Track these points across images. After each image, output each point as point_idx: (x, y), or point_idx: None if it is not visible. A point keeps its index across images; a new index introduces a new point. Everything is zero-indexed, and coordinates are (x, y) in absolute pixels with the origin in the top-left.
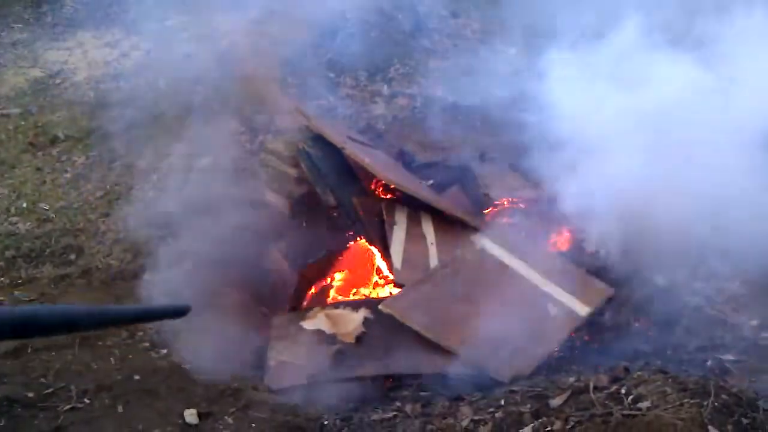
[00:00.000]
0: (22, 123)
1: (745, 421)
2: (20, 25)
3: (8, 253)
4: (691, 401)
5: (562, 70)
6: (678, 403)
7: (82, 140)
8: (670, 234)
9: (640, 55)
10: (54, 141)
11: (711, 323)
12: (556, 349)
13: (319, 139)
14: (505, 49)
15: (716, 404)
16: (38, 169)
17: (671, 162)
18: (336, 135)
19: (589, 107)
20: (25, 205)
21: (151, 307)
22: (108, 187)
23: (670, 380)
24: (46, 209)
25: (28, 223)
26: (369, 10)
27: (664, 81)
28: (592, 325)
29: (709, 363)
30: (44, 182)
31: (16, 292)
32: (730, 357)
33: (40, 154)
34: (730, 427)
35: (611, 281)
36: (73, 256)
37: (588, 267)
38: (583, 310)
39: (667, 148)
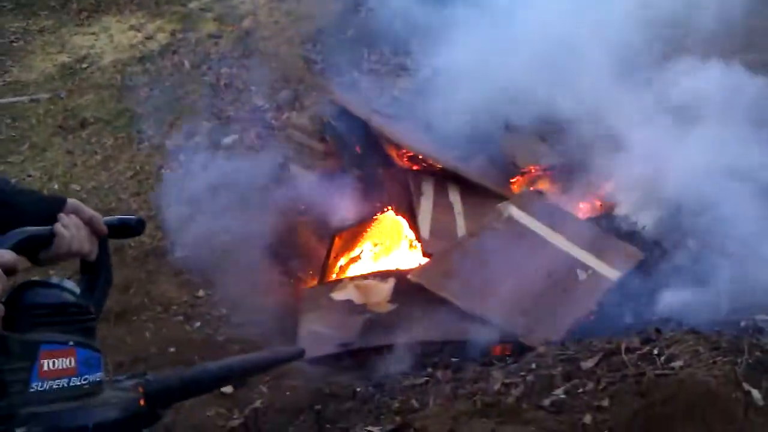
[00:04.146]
0: (52, 107)
1: None
2: (46, 12)
3: None
4: (724, 359)
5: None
6: (711, 361)
7: (110, 122)
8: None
9: None
10: (83, 124)
11: (744, 284)
12: (587, 314)
13: (345, 113)
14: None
15: (750, 362)
16: (69, 151)
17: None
18: (361, 108)
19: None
20: (57, 186)
21: (274, 354)
22: (137, 167)
23: (702, 340)
24: (77, 190)
25: None
26: None
27: None
28: (622, 289)
29: (742, 324)
30: (75, 164)
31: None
32: (764, 317)
33: (70, 137)
34: (765, 383)
35: (642, 245)
36: None
37: (618, 231)
38: (613, 274)
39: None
